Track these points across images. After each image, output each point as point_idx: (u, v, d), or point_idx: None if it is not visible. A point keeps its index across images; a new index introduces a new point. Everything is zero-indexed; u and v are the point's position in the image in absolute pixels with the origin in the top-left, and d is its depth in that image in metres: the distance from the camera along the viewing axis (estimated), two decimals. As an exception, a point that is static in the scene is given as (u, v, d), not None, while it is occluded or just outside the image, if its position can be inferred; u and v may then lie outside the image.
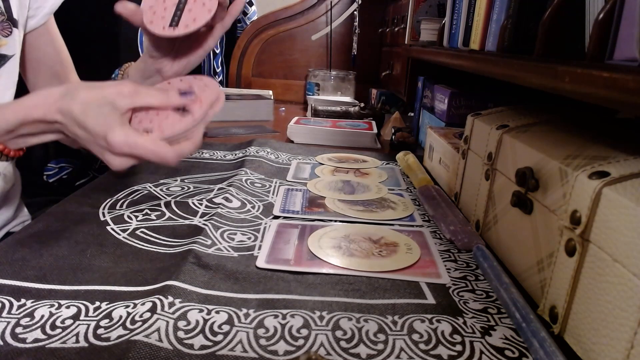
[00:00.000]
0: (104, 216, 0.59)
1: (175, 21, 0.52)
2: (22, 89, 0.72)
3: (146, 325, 0.38)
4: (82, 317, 0.39)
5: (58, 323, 0.38)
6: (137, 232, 0.55)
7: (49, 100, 0.46)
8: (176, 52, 0.60)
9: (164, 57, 0.60)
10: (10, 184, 0.74)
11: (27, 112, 0.46)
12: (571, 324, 0.38)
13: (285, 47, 1.73)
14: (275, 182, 0.76)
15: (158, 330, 0.37)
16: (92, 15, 1.17)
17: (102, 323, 0.38)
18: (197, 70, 0.94)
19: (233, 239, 0.55)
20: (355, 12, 1.65)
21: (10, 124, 0.46)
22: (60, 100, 0.46)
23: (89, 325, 0.38)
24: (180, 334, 0.37)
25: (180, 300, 0.41)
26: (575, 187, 0.38)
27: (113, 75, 0.69)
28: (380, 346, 0.37)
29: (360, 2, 1.63)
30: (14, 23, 0.68)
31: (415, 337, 0.38)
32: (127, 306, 0.40)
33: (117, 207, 0.62)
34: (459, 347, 0.37)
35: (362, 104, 1.33)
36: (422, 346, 0.37)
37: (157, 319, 0.38)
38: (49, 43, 0.76)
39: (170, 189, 0.70)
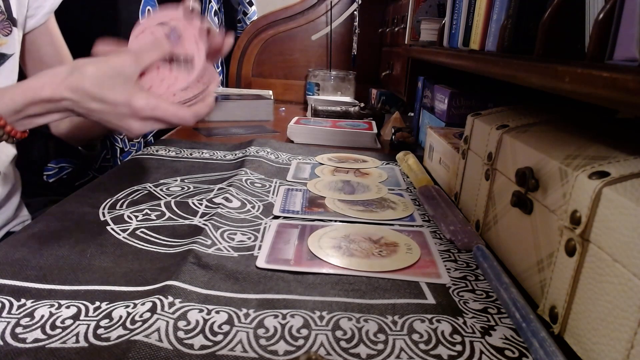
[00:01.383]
0: (104, 216, 0.59)
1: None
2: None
3: (146, 325, 0.38)
4: (82, 317, 0.39)
5: (58, 323, 0.38)
6: (137, 232, 0.55)
7: (57, 79, 0.47)
8: None
9: None
10: (10, 183, 0.74)
11: (35, 92, 0.47)
12: (571, 324, 0.38)
13: (285, 47, 1.73)
14: (275, 182, 0.76)
15: (158, 330, 0.37)
16: (92, 15, 1.17)
17: (102, 323, 0.38)
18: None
19: (233, 239, 0.55)
20: (355, 12, 1.65)
21: (18, 104, 0.47)
22: (68, 78, 0.47)
23: (89, 325, 0.38)
24: (180, 334, 0.37)
25: (180, 300, 0.41)
26: (575, 187, 0.38)
27: None
28: (380, 346, 0.37)
29: (360, 2, 1.63)
30: (13, 22, 0.68)
31: (415, 337, 0.38)
32: (127, 306, 0.40)
33: (117, 207, 0.62)
34: (459, 347, 0.37)
35: (362, 104, 1.33)
36: (422, 346, 0.37)
37: (157, 319, 0.38)
38: (50, 42, 0.76)
39: (170, 189, 0.70)
